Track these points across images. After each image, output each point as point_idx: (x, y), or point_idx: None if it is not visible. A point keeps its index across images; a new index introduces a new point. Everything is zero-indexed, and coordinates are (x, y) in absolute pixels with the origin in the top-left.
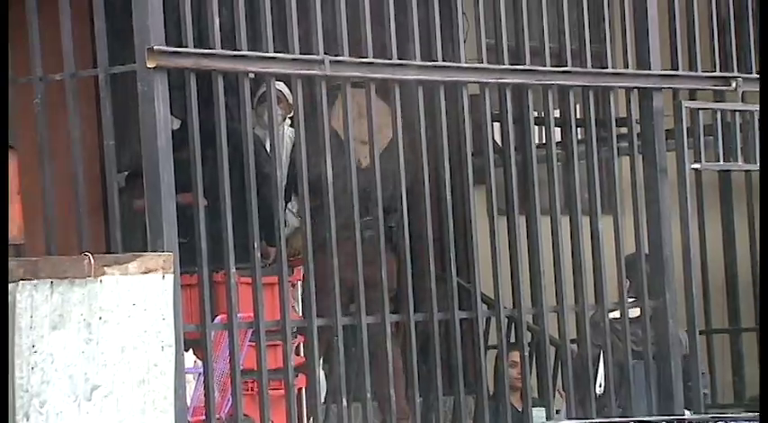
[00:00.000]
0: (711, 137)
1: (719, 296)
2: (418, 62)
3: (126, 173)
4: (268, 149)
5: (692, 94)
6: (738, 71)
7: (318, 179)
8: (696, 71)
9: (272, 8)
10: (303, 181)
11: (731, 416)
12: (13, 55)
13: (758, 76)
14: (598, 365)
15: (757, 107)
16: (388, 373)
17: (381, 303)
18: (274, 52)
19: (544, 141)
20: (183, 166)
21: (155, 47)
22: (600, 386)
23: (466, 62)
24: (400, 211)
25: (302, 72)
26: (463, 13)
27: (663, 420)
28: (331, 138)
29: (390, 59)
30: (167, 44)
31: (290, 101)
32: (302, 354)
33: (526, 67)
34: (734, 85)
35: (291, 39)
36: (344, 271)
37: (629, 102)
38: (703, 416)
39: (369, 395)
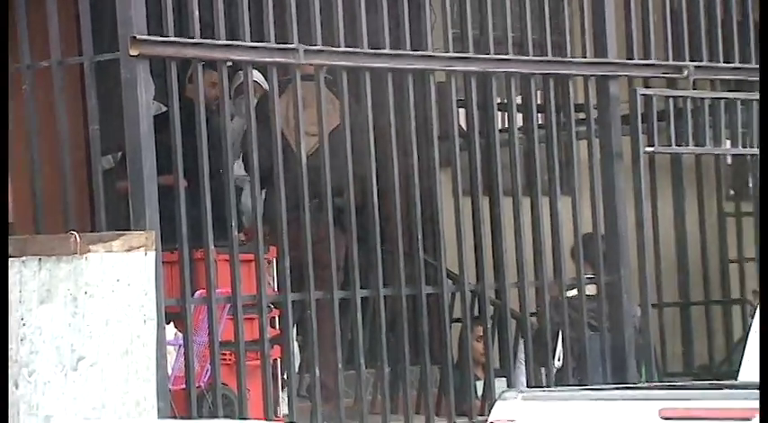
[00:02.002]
0: (664, 122)
1: (671, 272)
2: (388, 51)
3: (110, 155)
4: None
5: (646, 82)
6: (690, 60)
7: (269, 164)
8: (650, 60)
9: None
10: (253, 165)
11: (681, 383)
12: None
13: (708, 64)
14: (557, 339)
15: (707, 94)
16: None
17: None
18: (251, 42)
19: (507, 126)
20: (165, 150)
21: (137, 36)
22: (558, 359)
23: (433, 51)
24: (347, 193)
25: (278, 60)
26: (430, 5)
27: (616, 388)
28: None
29: (362, 48)
30: (149, 34)
31: (266, 88)
32: (277, 326)
33: (490, 56)
34: (685, 73)
35: (268, 29)
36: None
37: (586, 89)
38: (655, 383)
39: (340, 366)
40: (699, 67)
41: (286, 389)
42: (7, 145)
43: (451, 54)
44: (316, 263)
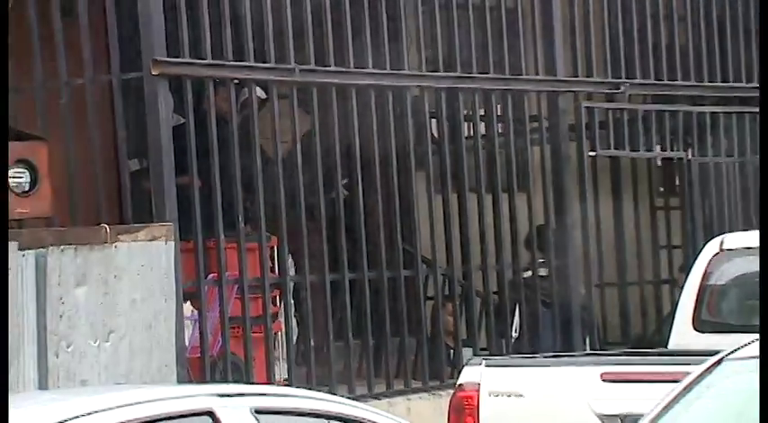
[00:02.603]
0: (604, 130)
1: (610, 257)
2: (371, 70)
3: (136, 159)
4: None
5: (589, 96)
6: (626, 77)
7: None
8: (592, 78)
9: (252, 26)
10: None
11: (619, 351)
12: (41, 62)
13: (641, 81)
14: (515, 314)
15: (641, 106)
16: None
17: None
18: (254, 62)
19: (472, 134)
20: (182, 155)
21: (158, 58)
22: (516, 331)
23: (409, 70)
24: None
25: (277, 78)
26: (406, 31)
27: (564, 355)
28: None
29: (348, 68)
30: (168, 56)
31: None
32: (278, 304)
33: (457, 75)
34: (622, 88)
35: (268, 51)
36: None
37: (539, 102)
38: (597, 351)
39: (331, 337)
40: (633, 83)
41: (286, 357)
42: (7, 145)
43: (424, 73)
44: (310, 250)
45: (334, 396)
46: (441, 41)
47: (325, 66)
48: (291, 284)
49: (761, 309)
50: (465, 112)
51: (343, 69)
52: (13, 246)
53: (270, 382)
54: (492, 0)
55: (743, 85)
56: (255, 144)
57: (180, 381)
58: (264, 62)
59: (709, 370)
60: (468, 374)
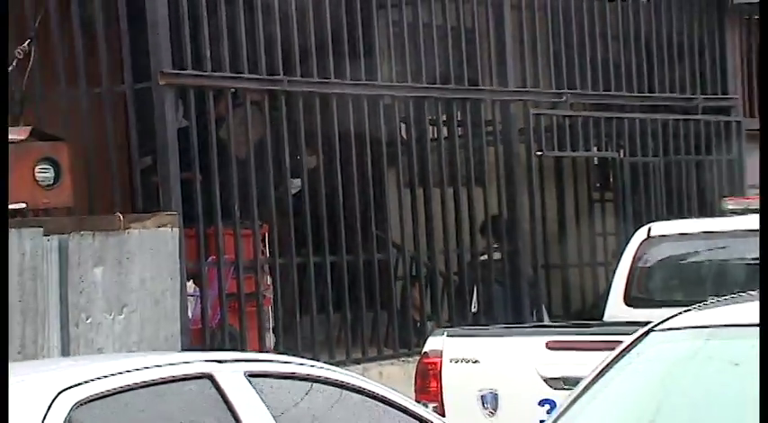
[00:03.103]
0: (549, 133)
1: (554, 242)
2: (349, 81)
3: (146, 157)
4: None
5: (536, 104)
6: (567, 88)
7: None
8: (539, 88)
9: (246, 43)
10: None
11: (561, 323)
12: (64, 74)
13: (580, 91)
14: (473, 292)
15: (580, 113)
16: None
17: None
18: (248, 74)
19: (436, 137)
20: (186, 154)
21: (164, 70)
22: (474, 306)
23: (382, 82)
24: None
25: (268, 88)
26: (379, 48)
27: (515, 327)
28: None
29: (330, 79)
30: (173, 67)
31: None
32: (269, 283)
33: (423, 86)
34: (564, 98)
35: (260, 64)
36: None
37: (493, 109)
38: (543, 323)
39: (314, 311)
40: (574, 93)
41: (275, 328)
42: (7, 145)
43: (395, 84)
44: (296, 237)
45: (317, 362)
46: (409, 57)
47: (309, 77)
48: (279, 266)
49: (761, 307)
50: (430, 117)
51: (325, 80)
52: (39, 231)
53: (261, 349)
54: (453, 21)
55: (668, 94)
56: (249, 144)
57: (183, 349)
58: (257, 73)
59: (638, 339)
60: (432, 344)
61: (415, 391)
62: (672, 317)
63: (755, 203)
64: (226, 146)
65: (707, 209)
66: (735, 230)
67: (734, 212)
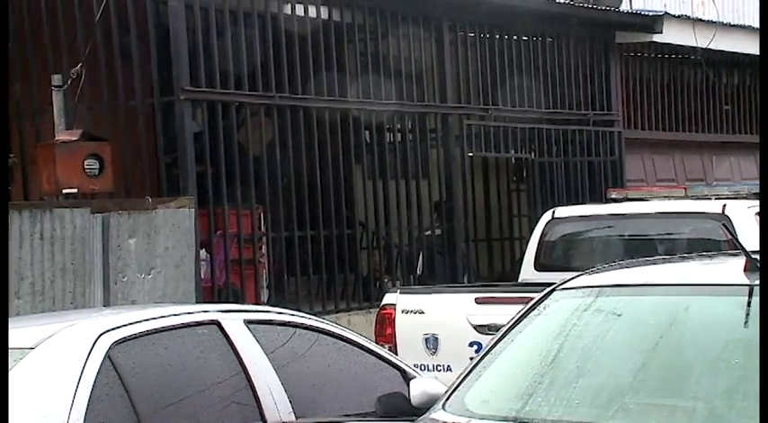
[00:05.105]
0: (478, 139)
1: (482, 222)
2: (325, 97)
3: (170, 155)
4: None
5: (469, 117)
6: (492, 104)
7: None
8: (470, 104)
9: (247, 66)
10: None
11: (487, 283)
12: (107, 89)
13: (501, 106)
14: (419, 259)
15: (502, 123)
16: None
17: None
18: (248, 91)
19: (392, 140)
20: (200, 152)
21: (184, 87)
22: (419, 270)
23: (351, 98)
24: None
25: (264, 102)
26: (348, 71)
27: (451, 287)
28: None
29: (311, 95)
30: (190, 84)
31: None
32: (264, 251)
33: (383, 102)
34: (490, 112)
35: (257, 82)
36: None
37: (436, 120)
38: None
39: (298, 273)
40: (497, 108)
41: (268, 286)
42: (8, 145)
43: (361, 100)
44: (284, 215)
45: (300, 312)
46: (372, 79)
47: (295, 93)
48: (272, 238)
49: (761, 303)
50: (388, 126)
51: (308, 96)
52: (87, 210)
53: (257, 303)
54: (405, 53)
55: (567, 110)
56: (248, 145)
57: (197, 302)
58: (255, 90)
59: (545, 296)
60: (388, 298)
61: (375, 334)
62: (570, 279)
63: (632, 193)
64: (233, 147)
65: (596, 197)
66: (617, 214)
67: (616, 200)
